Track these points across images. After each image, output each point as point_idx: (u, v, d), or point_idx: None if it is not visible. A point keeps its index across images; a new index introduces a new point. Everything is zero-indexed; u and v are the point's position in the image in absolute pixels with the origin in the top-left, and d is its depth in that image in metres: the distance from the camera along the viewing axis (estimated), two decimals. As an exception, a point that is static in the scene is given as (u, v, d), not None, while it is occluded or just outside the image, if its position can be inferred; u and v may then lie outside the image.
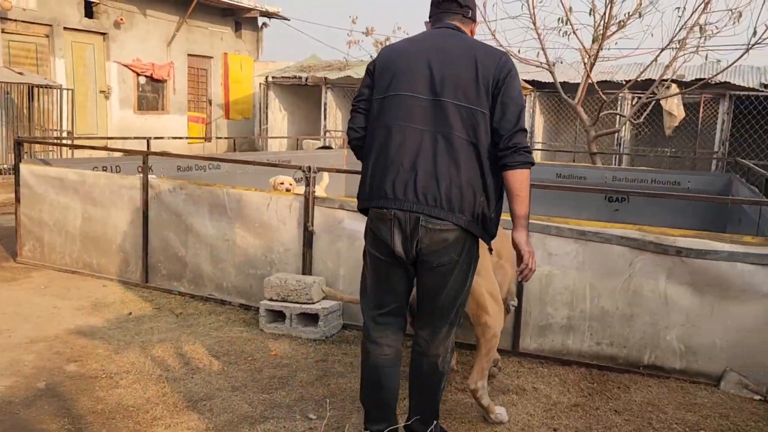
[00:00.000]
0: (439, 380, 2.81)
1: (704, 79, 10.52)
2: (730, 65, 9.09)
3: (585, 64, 9.39)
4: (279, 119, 16.76)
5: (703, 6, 8.67)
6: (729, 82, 10.76)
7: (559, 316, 4.07)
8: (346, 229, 4.58)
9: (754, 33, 8.22)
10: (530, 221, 3.95)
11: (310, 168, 4.62)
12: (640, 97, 11.24)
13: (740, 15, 9.10)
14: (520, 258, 2.68)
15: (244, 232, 4.91)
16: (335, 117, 15.98)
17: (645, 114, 10.30)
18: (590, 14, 9.06)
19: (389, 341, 2.71)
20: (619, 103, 11.92)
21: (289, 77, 16.03)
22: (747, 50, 8.37)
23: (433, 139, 2.53)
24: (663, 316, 3.84)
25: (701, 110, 11.64)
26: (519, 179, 2.60)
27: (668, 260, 3.80)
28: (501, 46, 9.65)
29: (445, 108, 2.53)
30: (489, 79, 2.55)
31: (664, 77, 9.71)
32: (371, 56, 16.91)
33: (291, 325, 4.44)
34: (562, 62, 10.64)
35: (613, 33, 9.05)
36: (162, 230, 5.23)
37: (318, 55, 18.31)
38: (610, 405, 3.54)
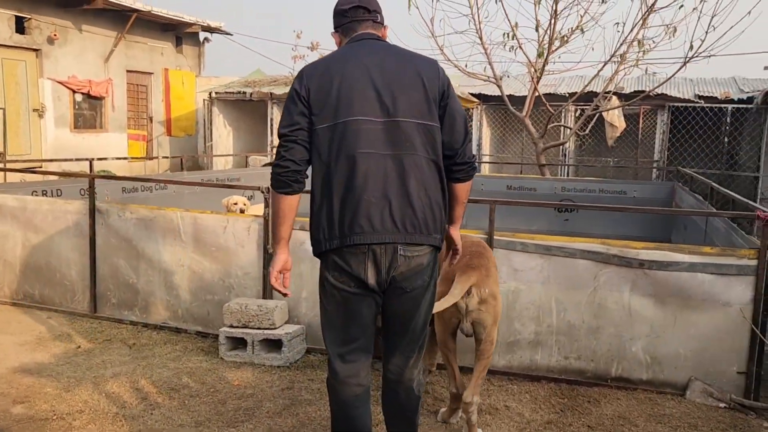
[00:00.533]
0: (416, 404, 2.73)
1: (643, 91, 10.89)
2: (669, 78, 9.43)
3: (532, 78, 9.57)
4: (224, 135, 16.46)
5: (641, 22, 8.96)
6: (666, 94, 11.17)
7: (527, 332, 4.06)
8: (308, 251, 4.42)
9: (691, 47, 8.56)
10: (495, 238, 3.97)
11: (269, 189, 4.48)
12: (583, 110, 11.53)
13: (675, 30, 9.46)
14: (456, 251, 2.82)
15: (199, 257, 4.72)
16: (282, 132, 15.79)
17: (590, 126, 10.56)
18: (536, 29, 9.24)
19: (359, 380, 2.57)
20: (563, 115, 12.19)
21: (233, 93, 15.77)
22: (684, 63, 8.69)
23: (398, 163, 2.42)
24: (628, 327, 3.88)
25: (641, 121, 12.03)
26: (467, 189, 2.68)
27: (632, 272, 3.84)
28: (449, 60, 9.75)
29: (402, 128, 2.42)
30: (435, 91, 2.49)
31: (607, 90, 9.99)
32: (316, 71, 16.81)
33: (253, 352, 4.28)
34: (508, 76, 10.81)
35: (558, 47, 9.25)
36: (111, 257, 4.99)
37: (262, 69, 18.13)
38: (582, 420, 3.54)
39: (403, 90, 2.45)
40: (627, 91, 11.85)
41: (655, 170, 11.78)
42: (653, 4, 8.77)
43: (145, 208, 4.92)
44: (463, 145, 2.54)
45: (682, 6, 8.49)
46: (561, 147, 12.43)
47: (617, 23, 9.46)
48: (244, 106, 16.57)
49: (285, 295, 2.62)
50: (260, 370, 4.15)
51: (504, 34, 10.12)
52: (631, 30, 8.86)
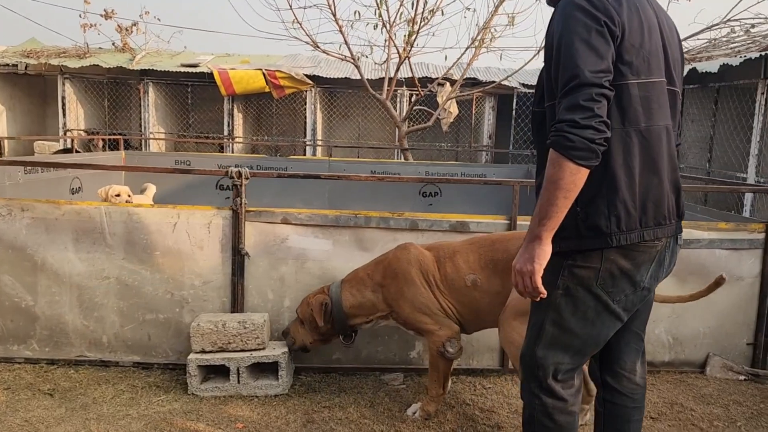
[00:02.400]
0: None
1: (475, 78, 11.33)
2: (521, 68, 9.91)
3: (392, 58, 9.31)
4: (-4, 116, 13.61)
5: (494, 9, 9.20)
6: (495, 82, 11.72)
7: (549, 324, 3.76)
8: (293, 249, 3.64)
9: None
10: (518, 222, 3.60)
11: (241, 173, 3.55)
12: (417, 94, 11.61)
13: (513, 19, 9.91)
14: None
15: (135, 265, 3.60)
16: (77, 113, 13.53)
17: (448, 111, 10.67)
18: (400, 15, 8.97)
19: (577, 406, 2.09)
20: (398, 99, 12.16)
21: (6, 65, 13.08)
22: (538, 52, 9.14)
23: (672, 141, 1.99)
24: (652, 310, 3.78)
25: (474, 107, 12.49)
26: None
27: (655, 253, 3.74)
28: (310, 39, 9.08)
29: (676, 99, 2.01)
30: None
31: (448, 75, 10.15)
32: (114, 42, 14.66)
33: (239, 381, 3.37)
34: (366, 56, 10.42)
35: (420, 28, 9.11)
36: (-11, 273, 3.60)
37: (38, 38, 15.33)
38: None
39: (677, 51, 2.03)
40: (456, 77, 12.20)
41: (485, 152, 12.35)
42: (507, -6, 9.02)
43: (46, 202, 3.61)
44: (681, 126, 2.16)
45: (538, -4, 8.88)
46: (396, 132, 12.46)
47: (467, 8, 9.65)
48: (19, 81, 13.87)
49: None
50: (256, 404, 3.28)
51: (355, 12, 9.75)
52: (490, 17, 9.06)
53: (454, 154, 12.88)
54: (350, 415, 3.20)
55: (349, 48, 9.48)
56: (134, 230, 3.59)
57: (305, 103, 12.73)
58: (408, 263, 3.25)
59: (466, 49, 9.42)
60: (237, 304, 3.63)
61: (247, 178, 3.57)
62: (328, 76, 12.49)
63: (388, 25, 8.97)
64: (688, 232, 3.75)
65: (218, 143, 13.06)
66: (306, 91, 12.62)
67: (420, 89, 9.62)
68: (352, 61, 9.55)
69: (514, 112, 11.15)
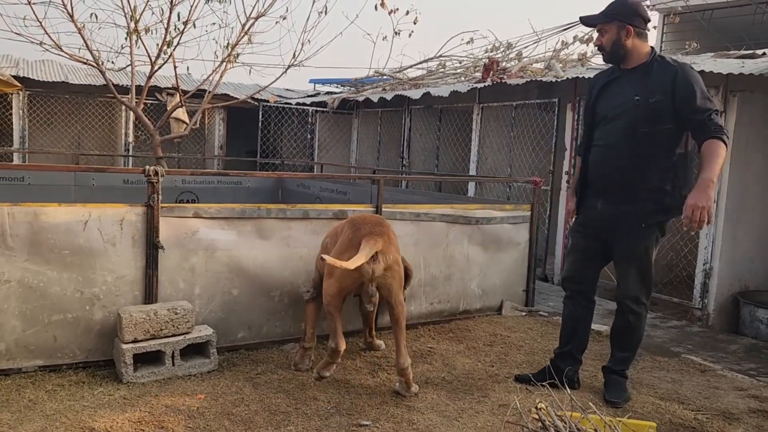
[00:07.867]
0: None
1: (202, 89, 11.75)
2: (274, 81, 10.62)
3: (137, 64, 9.20)
4: None
5: (243, 29, 9.81)
6: (228, 95, 12.19)
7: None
8: (203, 241, 3.95)
9: (294, 56, 9.94)
10: (384, 210, 4.53)
11: (157, 172, 3.73)
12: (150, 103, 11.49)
13: (251, 37, 10.68)
14: None
15: (40, 267, 3.50)
16: None
17: (199, 120, 10.78)
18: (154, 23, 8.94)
19: None
20: (123, 107, 11.80)
21: None
22: (286, 70, 10.00)
23: None
24: (467, 271, 5.05)
25: (207, 118, 12.70)
26: None
27: (469, 228, 5.02)
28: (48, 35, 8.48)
29: None
30: None
31: (203, 88, 10.44)
32: None
33: (173, 364, 3.59)
34: (113, 63, 9.84)
35: (173, 38, 9.20)
36: None
37: None
38: (480, 343, 4.53)
39: None
40: (188, 88, 12.36)
41: (216, 160, 12.74)
42: (258, 17, 9.75)
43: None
44: None
45: (284, 17, 9.78)
46: (123, 141, 12.14)
47: (214, 23, 10.10)
48: None
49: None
50: (197, 381, 3.56)
51: (91, 15, 9.42)
52: (243, 34, 9.62)
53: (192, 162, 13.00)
54: (284, 376, 3.71)
55: (90, 51, 9.05)
56: (41, 231, 3.49)
57: (10, 108, 11.44)
58: None
59: (221, 62, 9.81)
60: (151, 295, 3.79)
61: (162, 176, 3.78)
62: (41, 79, 11.46)
63: (132, 26, 8.85)
64: (488, 212, 5.13)
65: None
66: (11, 94, 11.38)
67: (182, 99, 9.68)
68: (96, 65, 9.13)
69: (260, 123, 11.80)
